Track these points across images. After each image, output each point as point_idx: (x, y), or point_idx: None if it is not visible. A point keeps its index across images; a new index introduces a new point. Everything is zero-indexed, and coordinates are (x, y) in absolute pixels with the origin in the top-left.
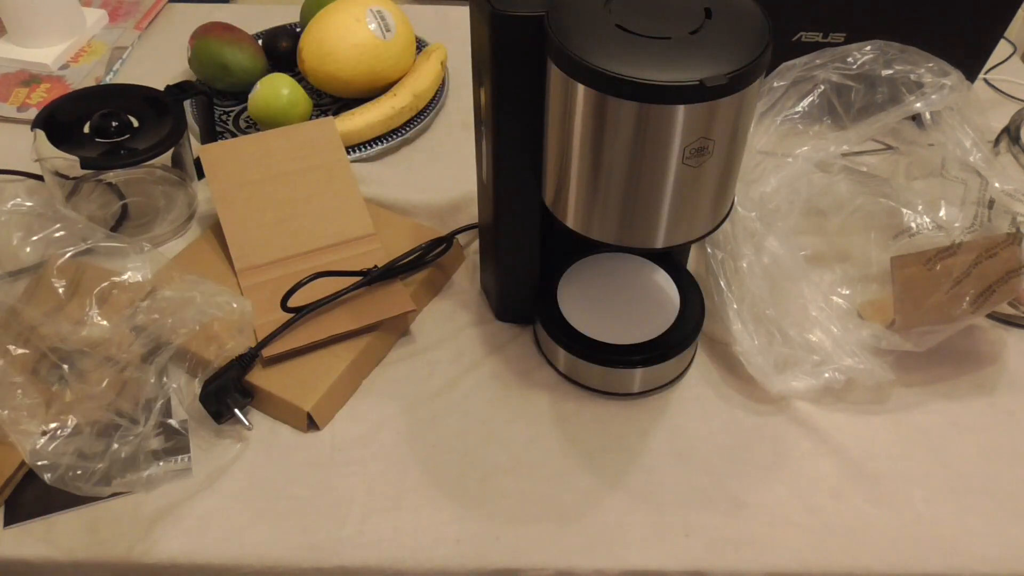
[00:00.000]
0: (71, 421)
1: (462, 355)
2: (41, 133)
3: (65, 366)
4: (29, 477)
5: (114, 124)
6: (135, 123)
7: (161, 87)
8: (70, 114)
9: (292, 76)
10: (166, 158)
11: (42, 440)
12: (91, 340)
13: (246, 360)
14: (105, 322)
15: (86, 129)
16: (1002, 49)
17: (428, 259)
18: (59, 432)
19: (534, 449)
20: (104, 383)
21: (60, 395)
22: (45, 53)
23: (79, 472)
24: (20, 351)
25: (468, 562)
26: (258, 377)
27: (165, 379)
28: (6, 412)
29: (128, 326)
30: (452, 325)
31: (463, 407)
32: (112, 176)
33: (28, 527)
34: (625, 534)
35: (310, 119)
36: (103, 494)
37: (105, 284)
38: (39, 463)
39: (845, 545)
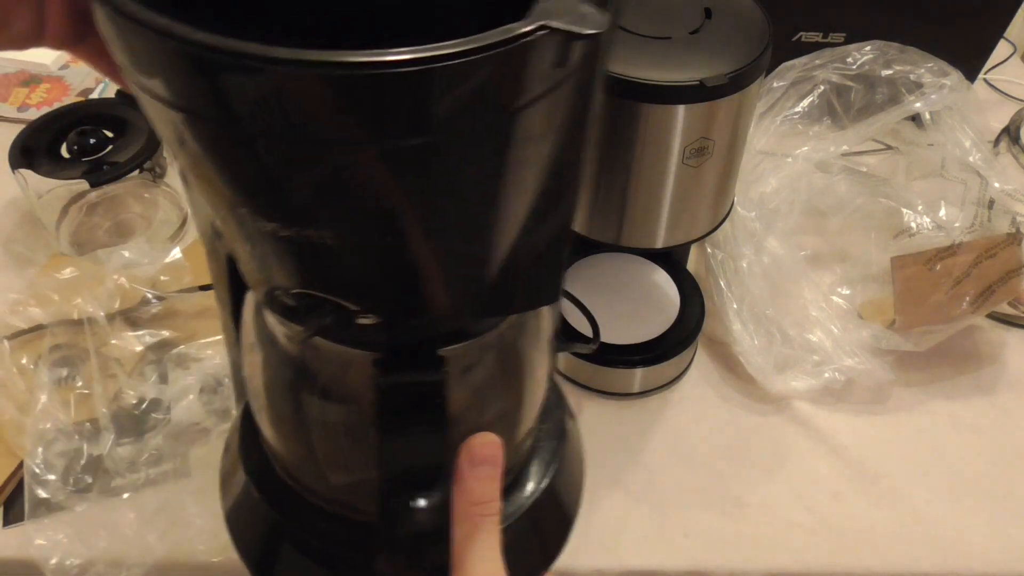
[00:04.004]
0: (65, 422)
1: None
2: (29, 173)
3: (64, 370)
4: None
5: (92, 141)
6: (110, 135)
7: None
8: (40, 142)
9: None
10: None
11: (31, 442)
12: (89, 338)
13: None
14: (106, 322)
15: (64, 153)
16: (1002, 49)
17: None
18: (48, 432)
19: None
20: (101, 385)
21: (47, 394)
22: (45, 53)
23: (60, 479)
24: (20, 342)
25: None
26: None
27: (162, 382)
28: (7, 414)
29: (130, 327)
30: None
31: None
32: (95, 196)
33: (28, 527)
34: (625, 534)
35: None
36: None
37: (112, 286)
38: (28, 466)
39: (845, 545)
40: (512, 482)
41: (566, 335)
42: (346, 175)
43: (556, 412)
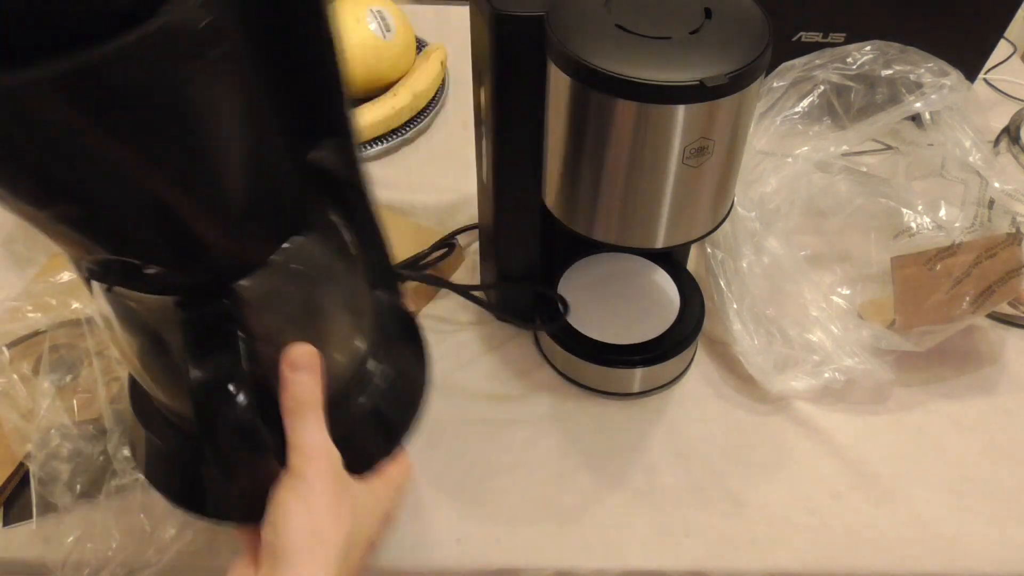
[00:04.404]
0: (68, 425)
1: (462, 355)
2: None
3: (65, 372)
4: (29, 477)
5: None
6: None
7: None
8: None
9: None
10: None
11: (35, 444)
12: (88, 340)
13: None
14: (102, 322)
15: None
16: (1002, 49)
17: (429, 262)
18: (52, 436)
19: (534, 449)
20: (104, 387)
21: (49, 397)
22: None
23: (53, 483)
24: (20, 348)
25: (468, 562)
26: None
27: None
28: (4, 413)
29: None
30: (452, 325)
31: (462, 407)
32: None
33: (28, 527)
34: (625, 534)
35: None
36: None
37: None
38: (34, 469)
39: (845, 545)
40: (346, 393)
41: (567, 335)
42: (69, 158)
43: (399, 343)
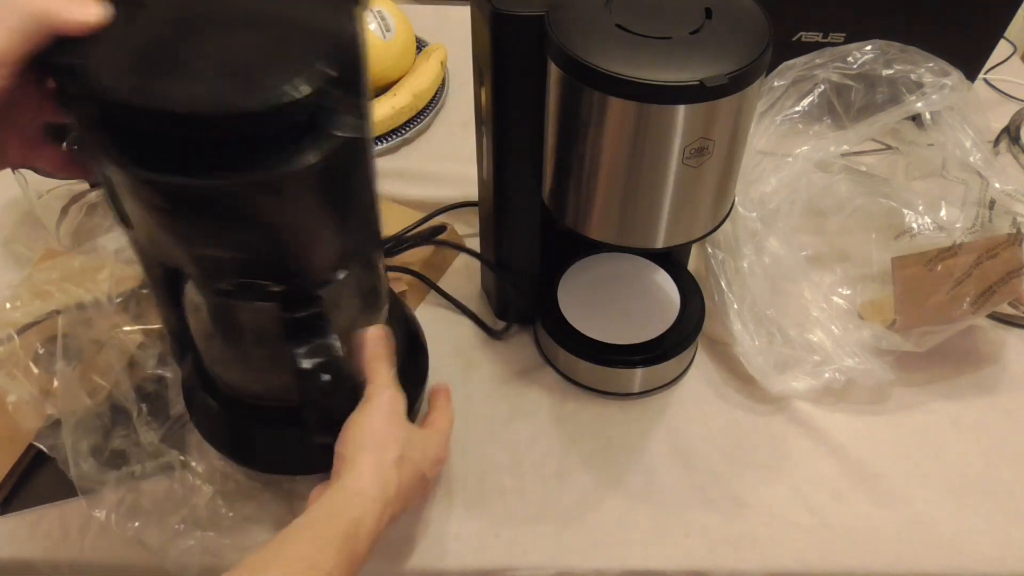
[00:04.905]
0: (73, 406)
1: (462, 354)
2: (29, 172)
3: (78, 357)
4: (31, 469)
5: None
6: None
7: None
8: None
9: None
10: None
11: (45, 425)
12: (97, 323)
13: None
14: (114, 307)
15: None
16: (1002, 49)
17: (422, 233)
18: (61, 418)
19: (534, 449)
20: (107, 369)
21: (63, 379)
22: None
23: (79, 461)
24: (28, 335)
25: (467, 561)
26: None
27: (160, 370)
28: (12, 397)
29: (131, 312)
30: (452, 324)
31: (463, 406)
32: (94, 196)
33: (28, 523)
34: (625, 534)
35: None
36: (96, 485)
37: (117, 273)
38: (43, 445)
39: (845, 545)
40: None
41: (567, 335)
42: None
43: (403, 321)
